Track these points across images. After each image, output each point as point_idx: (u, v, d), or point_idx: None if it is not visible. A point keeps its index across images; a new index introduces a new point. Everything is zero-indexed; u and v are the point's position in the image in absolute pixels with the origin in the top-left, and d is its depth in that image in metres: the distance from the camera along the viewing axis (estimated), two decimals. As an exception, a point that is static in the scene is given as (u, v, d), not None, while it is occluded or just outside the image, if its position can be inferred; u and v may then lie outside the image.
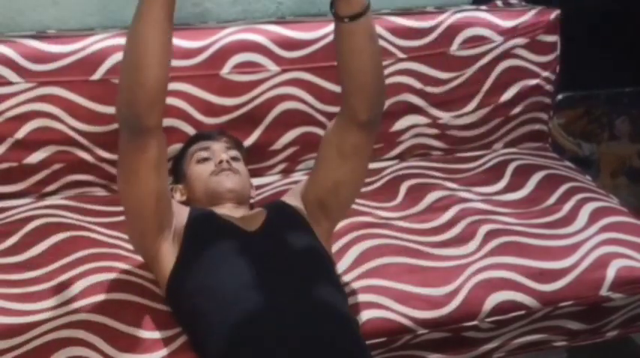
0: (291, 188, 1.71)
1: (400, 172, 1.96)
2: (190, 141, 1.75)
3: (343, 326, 1.31)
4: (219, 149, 1.66)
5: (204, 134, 1.76)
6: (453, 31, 1.98)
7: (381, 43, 1.91)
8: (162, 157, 1.33)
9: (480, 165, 2.03)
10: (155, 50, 1.18)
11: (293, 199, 1.54)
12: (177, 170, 1.73)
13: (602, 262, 1.61)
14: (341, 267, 1.56)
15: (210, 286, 1.32)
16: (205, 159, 1.64)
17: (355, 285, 1.52)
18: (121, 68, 1.24)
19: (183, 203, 1.67)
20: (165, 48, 1.19)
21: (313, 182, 1.49)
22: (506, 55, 2.02)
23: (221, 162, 1.61)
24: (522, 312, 1.55)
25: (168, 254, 1.40)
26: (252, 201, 1.71)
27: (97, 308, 1.41)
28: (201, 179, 1.61)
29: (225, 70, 1.82)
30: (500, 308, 1.53)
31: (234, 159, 1.66)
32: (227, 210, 1.56)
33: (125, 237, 1.60)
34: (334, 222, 1.54)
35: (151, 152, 1.28)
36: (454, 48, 1.98)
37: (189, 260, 1.37)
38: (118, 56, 1.74)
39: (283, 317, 1.26)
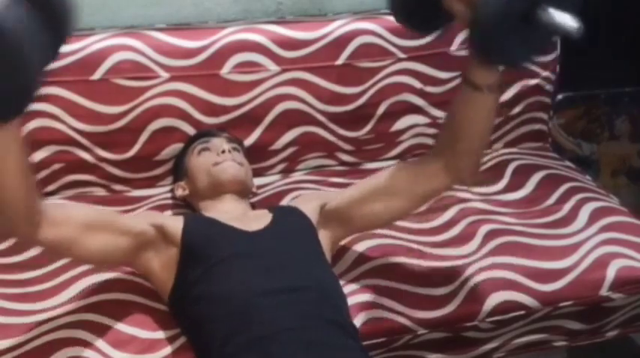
0: (309, 193, 1.73)
1: (400, 172, 1.96)
2: (191, 139, 1.75)
3: (347, 333, 1.31)
4: (221, 141, 1.67)
5: (205, 131, 1.76)
6: (453, 30, 1.97)
7: (381, 43, 1.92)
8: (71, 228, 1.26)
9: (480, 165, 2.02)
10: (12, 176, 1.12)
11: (309, 206, 1.52)
12: (179, 167, 1.73)
13: (602, 262, 1.61)
14: (341, 266, 1.56)
15: (216, 294, 1.30)
16: (206, 149, 1.65)
17: (355, 285, 1.52)
18: None
19: (185, 198, 1.67)
20: (22, 173, 1.13)
21: (350, 204, 1.48)
22: (506, 54, 2.02)
23: (223, 152, 1.61)
24: (522, 312, 1.54)
25: (163, 266, 1.38)
26: (253, 199, 1.70)
27: (97, 308, 1.41)
28: (203, 169, 1.61)
29: (225, 70, 1.82)
30: (500, 308, 1.53)
31: (235, 149, 1.66)
32: (229, 203, 1.55)
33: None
34: (349, 235, 1.56)
35: (56, 235, 1.23)
36: (454, 48, 1.97)
37: (192, 268, 1.35)
38: (118, 56, 1.74)
39: (289, 323, 1.25)
